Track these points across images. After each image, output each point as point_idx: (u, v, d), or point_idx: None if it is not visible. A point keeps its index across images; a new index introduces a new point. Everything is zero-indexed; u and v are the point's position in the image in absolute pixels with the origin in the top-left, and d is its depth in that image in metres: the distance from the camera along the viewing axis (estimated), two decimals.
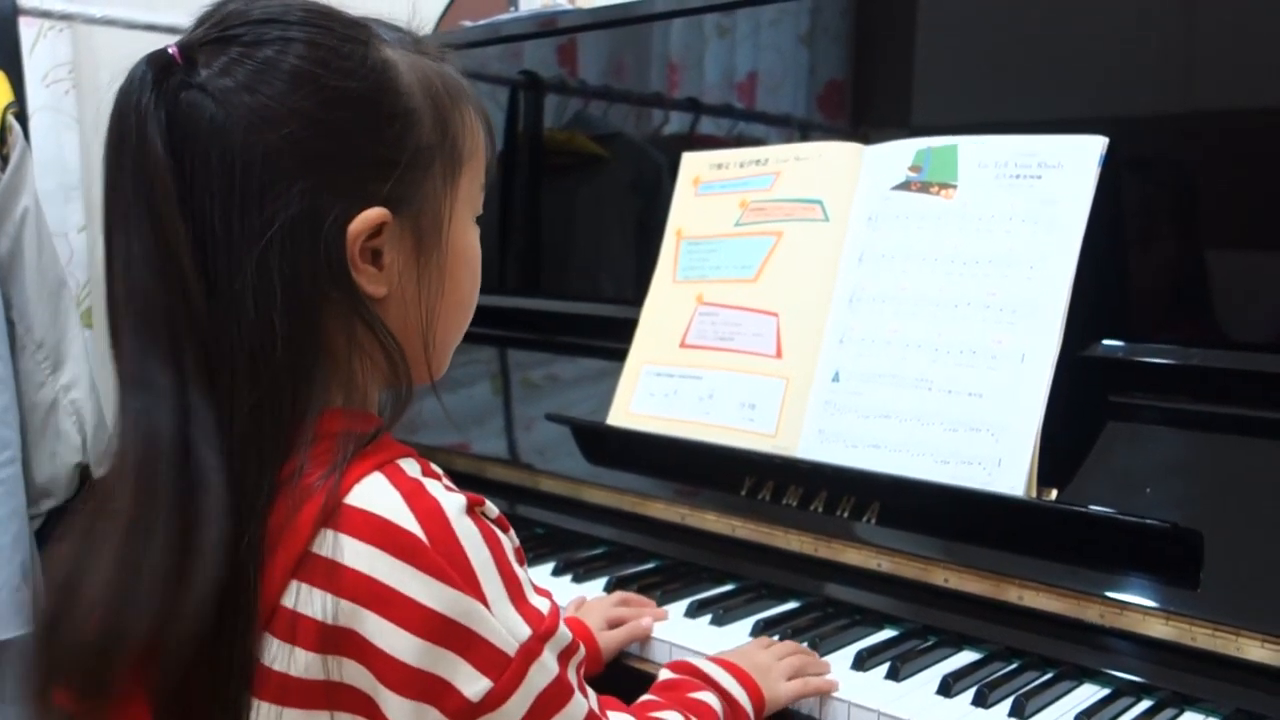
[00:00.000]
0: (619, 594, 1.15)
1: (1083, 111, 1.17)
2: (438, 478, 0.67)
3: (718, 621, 1.10)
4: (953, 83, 1.30)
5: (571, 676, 0.67)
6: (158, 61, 0.66)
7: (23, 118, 1.84)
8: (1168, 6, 1.14)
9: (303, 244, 0.65)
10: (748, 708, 0.91)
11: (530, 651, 0.64)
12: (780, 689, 0.94)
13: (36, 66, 2.10)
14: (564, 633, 0.67)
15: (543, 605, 0.67)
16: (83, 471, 1.85)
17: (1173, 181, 1.15)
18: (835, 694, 0.97)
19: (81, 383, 1.85)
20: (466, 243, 0.75)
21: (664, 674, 0.91)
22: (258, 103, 0.65)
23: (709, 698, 0.88)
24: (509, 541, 0.68)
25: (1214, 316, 1.11)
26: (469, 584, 0.63)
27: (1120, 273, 1.15)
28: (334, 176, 0.66)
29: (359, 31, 0.70)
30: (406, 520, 0.62)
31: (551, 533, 1.39)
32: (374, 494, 0.63)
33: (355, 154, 0.68)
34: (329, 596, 0.61)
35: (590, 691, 0.71)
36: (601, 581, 1.21)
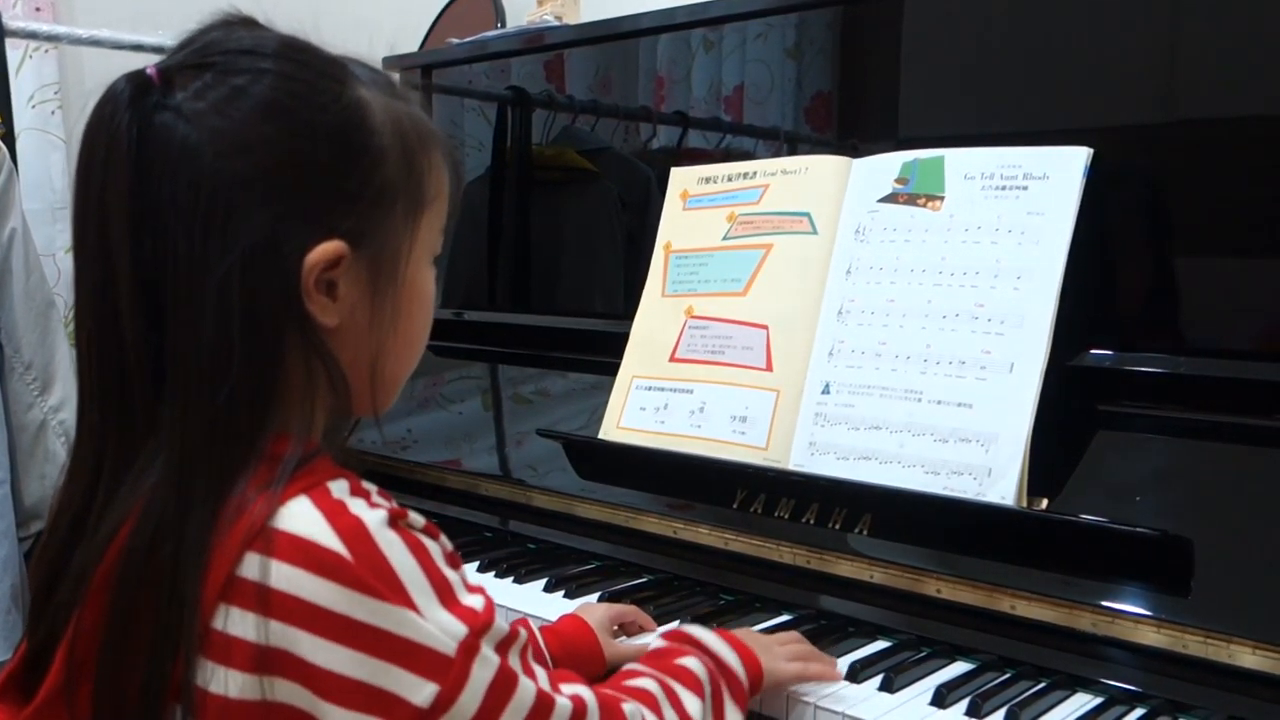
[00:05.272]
0: (618, 605, 1.14)
1: (1068, 122, 1.18)
2: (366, 495, 0.69)
3: None
4: (939, 95, 1.31)
5: (514, 663, 0.69)
6: (136, 80, 0.68)
7: (10, 139, 1.84)
8: (1152, 17, 1.15)
9: (262, 270, 0.67)
10: (742, 677, 0.89)
11: (470, 648, 0.66)
12: (781, 666, 0.94)
13: (23, 87, 2.10)
14: (499, 625, 0.68)
15: (476, 602, 0.68)
16: None
17: (1158, 191, 1.16)
18: (830, 705, 0.97)
19: (70, 404, 1.85)
20: (422, 282, 0.76)
21: (655, 641, 0.90)
22: (229, 128, 0.66)
23: (693, 663, 0.86)
24: (438, 547, 0.69)
25: (1201, 325, 1.12)
26: (396, 593, 0.64)
27: (1107, 282, 1.16)
28: (298, 207, 0.68)
29: (335, 69, 0.71)
30: (329, 539, 0.64)
31: (544, 548, 1.38)
32: (298, 517, 0.65)
33: (321, 186, 0.69)
34: (259, 618, 0.63)
35: (539, 670, 0.71)
36: (594, 597, 1.21)
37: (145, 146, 0.66)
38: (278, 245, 0.67)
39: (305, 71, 0.69)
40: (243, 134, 0.66)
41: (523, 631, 0.71)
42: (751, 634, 0.98)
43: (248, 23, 0.72)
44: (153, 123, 0.66)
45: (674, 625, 1.06)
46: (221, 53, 0.68)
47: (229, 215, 0.66)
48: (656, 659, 0.87)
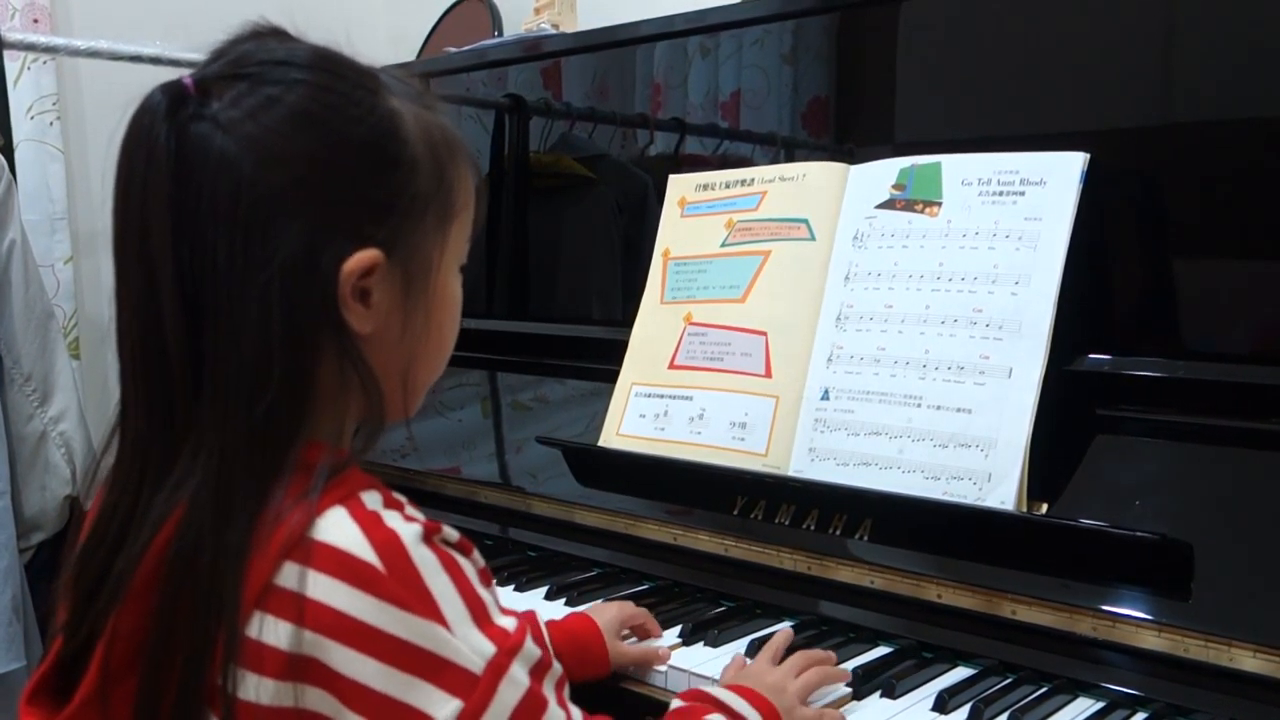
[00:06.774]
0: (629, 605, 1.13)
1: (1065, 127, 1.18)
2: (399, 507, 0.69)
3: (712, 642, 1.10)
4: (934, 100, 1.31)
5: (547, 691, 0.68)
6: (172, 91, 0.68)
7: (8, 150, 1.84)
8: (1149, 21, 1.15)
9: (301, 279, 0.67)
10: None
11: (498, 667, 0.65)
12: (798, 714, 0.93)
13: (21, 99, 2.10)
14: (532, 648, 0.68)
15: (509, 624, 0.68)
16: (72, 504, 1.85)
17: (1155, 195, 1.16)
18: None
19: (70, 414, 1.85)
20: (451, 290, 0.77)
21: (675, 703, 0.91)
22: (267, 139, 0.67)
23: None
24: (471, 564, 0.69)
25: (1199, 329, 1.12)
26: (428, 609, 0.64)
27: (1105, 287, 1.16)
28: (335, 216, 0.68)
29: (368, 80, 0.72)
30: (365, 551, 0.64)
31: (544, 556, 1.38)
32: (335, 527, 0.65)
33: (357, 196, 0.69)
34: (294, 628, 0.63)
35: (575, 710, 0.71)
36: (596, 604, 1.21)
37: (184, 157, 0.66)
38: (316, 254, 0.67)
39: (340, 83, 0.70)
40: (280, 144, 0.67)
41: (558, 665, 0.70)
42: (763, 678, 0.96)
43: (278, 34, 0.72)
44: (190, 133, 0.67)
45: (679, 642, 1.06)
46: (256, 64, 0.69)
47: (268, 225, 0.66)
48: (680, 717, 0.88)
